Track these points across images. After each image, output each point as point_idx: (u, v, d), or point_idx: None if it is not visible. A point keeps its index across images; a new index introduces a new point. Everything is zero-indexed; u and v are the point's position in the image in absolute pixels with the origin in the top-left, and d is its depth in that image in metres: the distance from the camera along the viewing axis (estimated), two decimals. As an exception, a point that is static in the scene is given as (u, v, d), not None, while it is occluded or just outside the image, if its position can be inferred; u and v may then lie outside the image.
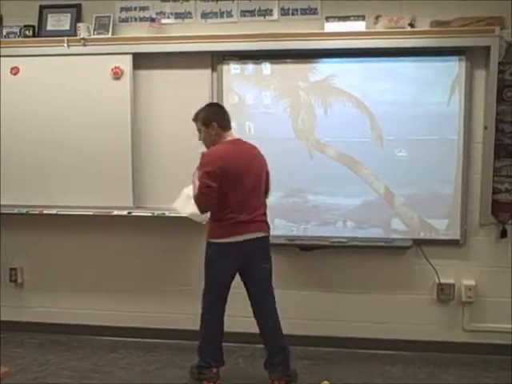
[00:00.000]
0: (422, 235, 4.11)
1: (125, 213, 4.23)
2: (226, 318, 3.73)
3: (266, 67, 4.14)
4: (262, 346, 3.71)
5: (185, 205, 3.61)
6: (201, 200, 3.46)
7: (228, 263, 3.53)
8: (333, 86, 4.06)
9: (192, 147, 3.77)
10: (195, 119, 3.61)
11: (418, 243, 4.10)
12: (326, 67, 4.08)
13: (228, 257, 3.51)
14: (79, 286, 4.50)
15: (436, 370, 3.92)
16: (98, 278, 4.44)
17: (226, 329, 3.73)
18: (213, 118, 3.55)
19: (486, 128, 3.97)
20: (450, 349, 4.13)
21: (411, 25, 3.95)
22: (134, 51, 4.12)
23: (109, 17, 4.23)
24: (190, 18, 4.21)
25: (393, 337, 4.17)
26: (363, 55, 4.01)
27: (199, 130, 3.60)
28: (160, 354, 4.16)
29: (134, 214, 4.24)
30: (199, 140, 3.61)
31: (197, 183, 3.47)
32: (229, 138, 3.57)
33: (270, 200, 4.16)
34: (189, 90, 4.16)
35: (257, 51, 4.05)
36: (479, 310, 4.14)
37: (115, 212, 4.25)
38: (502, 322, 4.10)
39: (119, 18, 4.28)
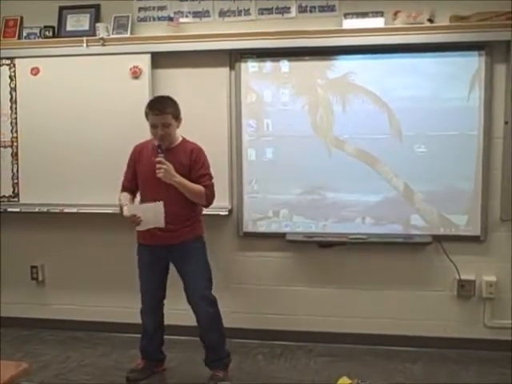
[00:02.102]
0: (441, 231, 4.09)
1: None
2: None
3: (284, 65, 4.14)
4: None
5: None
6: (213, 191, 3.54)
7: None
8: (351, 83, 4.05)
9: (211, 144, 3.79)
10: (163, 112, 3.46)
11: (438, 239, 4.09)
12: (344, 64, 4.08)
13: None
14: (99, 283, 4.54)
15: (457, 368, 3.89)
16: (118, 276, 4.46)
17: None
18: (180, 112, 3.57)
19: (506, 123, 3.94)
20: (471, 345, 4.10)
21: (430, 20, 3.93)
22: (152, 50, 4.15)
23: (127, 16, 4.26)
24: (208, 16, 4.22)
25: (413, 333, 4.15)
26: (382, 51, 4.00)
27: (164, 124, 3.46)
28: (179, 351, 4.17)
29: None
30: (158, 135, 3.46)
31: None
32: None
33: (289, 197, 4.22)
34: (207, 88, 4.18)
35: (275, 49, 4.05)
36: (500, 307, 4.11)
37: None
38: (524, 318, 4.09)
39: (138, 17, 4.31)
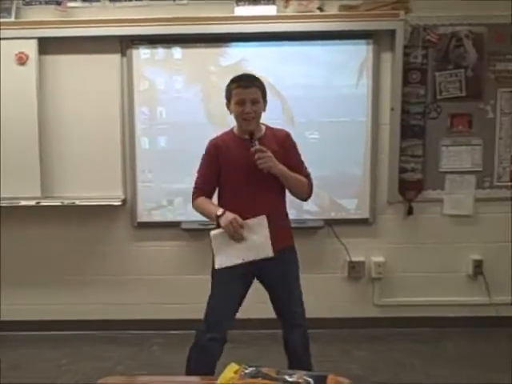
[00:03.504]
0: (333, 215, 4.21)
1: (33, 203, 4.09)
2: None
3: (177, 52, 4.09)
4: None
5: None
6: (312, 182, 3.02)
7: None
8: (244, 70, 4.03)
9: (103, 132, 3.71)
10: (253, 84, 2.86)
11: (330, 223, 4.21)
12: (237, 51, 4.08)
13: None
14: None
15: (349, 346, 4.05)
16: (5, 271, 4.29)
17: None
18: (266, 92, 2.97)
19: (392, 110, 4.10)
20: (362, 324, 4.28)
21: (320, 9, 4.01)
22: (39, 36, 3.97)
23: (11, 0, 4.06)
24: (98, 1, 4.09)
25: (306, 316, 4.25)
26: (274, 39, 4.04)
27: (254, 100, 2.84)
28: (72, 347, 4.09)
29: (42, 203, 4.10)
30: (244, 113, 2.84)
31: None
32: None
33: (183, 186, 4.18)
34: (98, 75, 4.07)
35: (167, 35, 4.00)
36: (388, 286, 4.31)
37: (23, 202, 4.09)
38: (410, 295, 4.29)
39: (23, 1, 4.10)
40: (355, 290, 4.32)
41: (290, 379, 1.80)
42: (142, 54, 4.09)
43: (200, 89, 4.11)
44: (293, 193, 2.95)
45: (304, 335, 3.07)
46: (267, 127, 2.99)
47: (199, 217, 4.12)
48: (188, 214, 4.18)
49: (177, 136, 4.14)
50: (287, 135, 2.98)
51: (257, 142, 2.80)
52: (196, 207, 3.04)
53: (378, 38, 4.06)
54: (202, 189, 3.00)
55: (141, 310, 4.29)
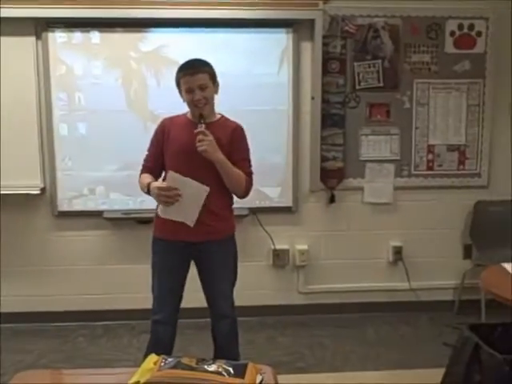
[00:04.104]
0: (257, 203, 4.21)
1: None
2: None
3: (95, 36, 4.00)
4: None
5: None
6: (252, 181, 2.97)
7: None
8: (164, 57, 4.01)
9: (19, 118, 3.56)
10: (198, 70, 2.82)
11: (254, 211, 4.21)
12: (156, 37, 4.04)
13: None
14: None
15: (274, 333, 4.09)
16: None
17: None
18: (216, 74, 2.93)
19: (313, 98, 4.14)
20: (286, 311, 4.31)
21: (241, -4, 4.01)
22: None
23: None
24: (12, -20, 3.94)
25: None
26: (195, 25, 4.01)
27: (201, 87, 2.82)
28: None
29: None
30: (194, 100, 2.82)
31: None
32: None
33: (105, 174, 4.09)
34: (12, 58, 3.92)
35: (84, 18, 3.89)
36: (312, 273, 4.36)
37: None
38: (334, 282, 4.36)
39: None
40: (280, 278, 4.35)
41: (209, 368, 1.78)
42: (58, 37, 3.97)
43: (119, 74, 4.04)
44: (229, 186, 2.89)
45: (231, 325, 3.05)
46: (222, 116, 2.99)
47: (122, 206, 4.12)
48: (110, 202, 4.13)
49: (97, 122, 4.05)
50: (236, 128, 2.95)
51: (203, 126, 2.77)
52: (139, 184, 3.00)
53: (297, 27, 4.10)
54: (146, 167, 3.00)
55: (64, 302, 4.18)
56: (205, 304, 3.04)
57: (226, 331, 3.03)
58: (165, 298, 2.98)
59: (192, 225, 2.80)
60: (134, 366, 1.96)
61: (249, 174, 2.93)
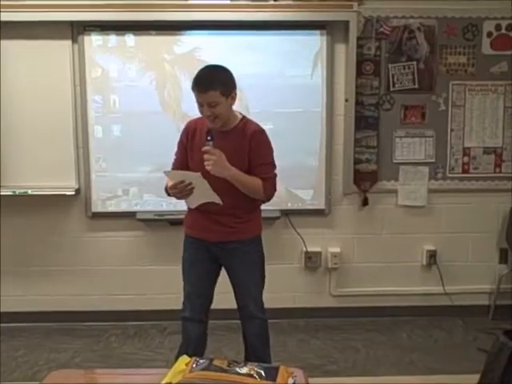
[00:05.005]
0: (289, 206, 4.21)
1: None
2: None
3: (130, 39, 4.03)
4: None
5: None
6: (274, 184, 2.91)
7: None
8: (198, 59, 4.02)
9: (55, 121, 3.61)
10: (208, 88, 2.72)
11: (286, 214, 4.21)
12: (191, 39, 4.05)
13: None
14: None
15: (305, 336, 4.07)
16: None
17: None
18: (234, 85, 2.84)
19: (346, 101, 4.11)
20: (318, 314, 4.29)
21: (274, -2, 4.00)
22: (-12, 20, 3.87)
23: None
24: (50, -15, 4.00)
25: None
26: (228, 28, 4.01)
27: (210, 104, 2.73)
28: (27, 339, 4.02)
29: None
30: (206, 115, 2.78)
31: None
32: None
33: (138, 175, 4.13)
34: (49, 61, 3.99)
35: (119, 22, 3.94)
36: (344, 276, 4.33)
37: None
38: (366, 285, 4.33)
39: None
40: (312, 280, 4.33)
41: (241, 371, 1.78)
42: (94, 40, 4.01)
43: (154, 77, 4.06)
44: (247, 194, 2.85)
45: (260, 326, 3.05)
46: (243, 119, 2.92)
47: (155, 207, 4.15)
48: (143, 204, 4.16)
49: (131, 124, 4.09)
50: (255, 132, 2.86)
51: (211, 143, 2.73)
52: None
53: (331, 29, 4.07)
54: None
55: (97, 302, 4.22)
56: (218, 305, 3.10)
57: (254, 332, 3.04)
58: (192, 294, 3.02)
59: (221, 202, 2.80)
60: (165, 367, 1.99)
61: (268, 179, 2.86)
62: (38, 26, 3.88)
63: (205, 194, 2.79)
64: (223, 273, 3.05)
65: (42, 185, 4.02)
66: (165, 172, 2.85)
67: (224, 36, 4.04)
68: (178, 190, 2.78)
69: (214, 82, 2.74)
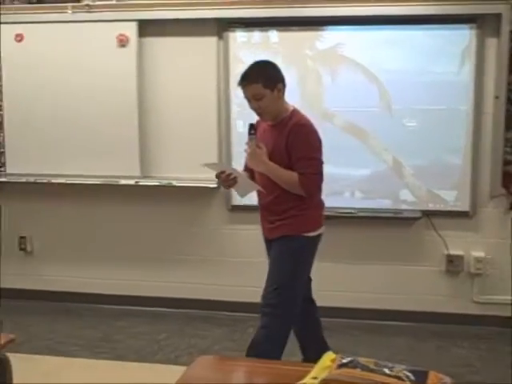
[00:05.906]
0: (430, 206, 4.07)
1: (132, 182, 4.23)
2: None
3: (273, 35, 4.09)
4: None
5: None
6: (315, 181, 2.85)
7: (314, 257, 3.08)
8: (340, 54, 4.00)
9: (199, 115, 3.76)
10: (250, 81, 2.81)
11: (427, 214, 4.07)
12: (333, 35, 4.03)
13: (315, 250, 3.06)
14: (87, 254, 4.52)
15: (444, 343, 3.89)
16: (105, 248, 4.47)
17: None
18: (279, 78, 2.89)
19: (496, 98, 3.90)
20: (458, 320, 4.10)
21: (420, -9, 3.87)
22: (139, 18, 4.09)
23: (112, -18, 4.18)
24: (197, -17, 4.14)
25: (400, 308, 4.14)
26: (371, 23, 3.95)
27: (255, 97, 2.81)
28: (168, 323, 4.18)
29: (141, 183, 4.23)
30: (253, 108, 2.88)
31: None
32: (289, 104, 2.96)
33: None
34: (195, 57, 4.12)
35: (263, 18, 4.00)
36: (488, 282, 4.11)
37: (122, 181, 4.24)
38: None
39: (123, -17, 4.23)
40: (453, 285, 4.15)
41: (389, 372, 1.72)
42: (238, 37, 4.11)
43: (296, 72, 4.07)
44: (285, 188, 2.85)
45: (270, 320, 2.92)
46: (292, 112, 2.92)
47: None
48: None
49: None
50: (294, 126, 2.83)
51: (251, 136, 2.85)
52: None
53: (482, 23, 3.87)
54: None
55: (236, 292, 4.30)
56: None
57: (263, 323, 2.94)
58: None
59: (264, 191, 2.87)
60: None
61: (305, 175, 2.78)
62: (186, 23, 4.03)
63: (247, 184, 2.94)
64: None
65: (186, 176, 4.17)
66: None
67: (366, 31, 3.98)
68: (221, 180, 2.91)
69: (255, 76, 2.82)
